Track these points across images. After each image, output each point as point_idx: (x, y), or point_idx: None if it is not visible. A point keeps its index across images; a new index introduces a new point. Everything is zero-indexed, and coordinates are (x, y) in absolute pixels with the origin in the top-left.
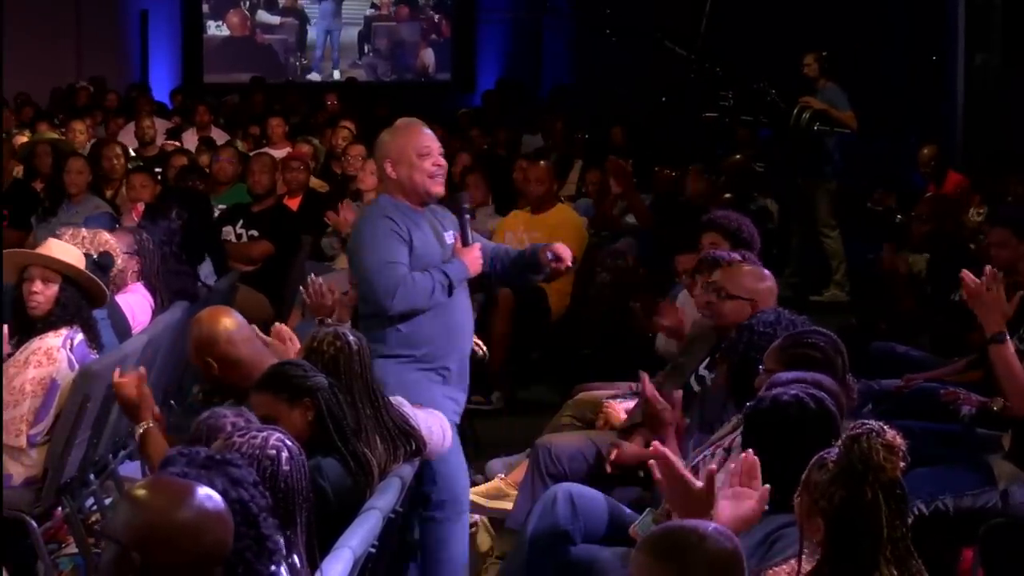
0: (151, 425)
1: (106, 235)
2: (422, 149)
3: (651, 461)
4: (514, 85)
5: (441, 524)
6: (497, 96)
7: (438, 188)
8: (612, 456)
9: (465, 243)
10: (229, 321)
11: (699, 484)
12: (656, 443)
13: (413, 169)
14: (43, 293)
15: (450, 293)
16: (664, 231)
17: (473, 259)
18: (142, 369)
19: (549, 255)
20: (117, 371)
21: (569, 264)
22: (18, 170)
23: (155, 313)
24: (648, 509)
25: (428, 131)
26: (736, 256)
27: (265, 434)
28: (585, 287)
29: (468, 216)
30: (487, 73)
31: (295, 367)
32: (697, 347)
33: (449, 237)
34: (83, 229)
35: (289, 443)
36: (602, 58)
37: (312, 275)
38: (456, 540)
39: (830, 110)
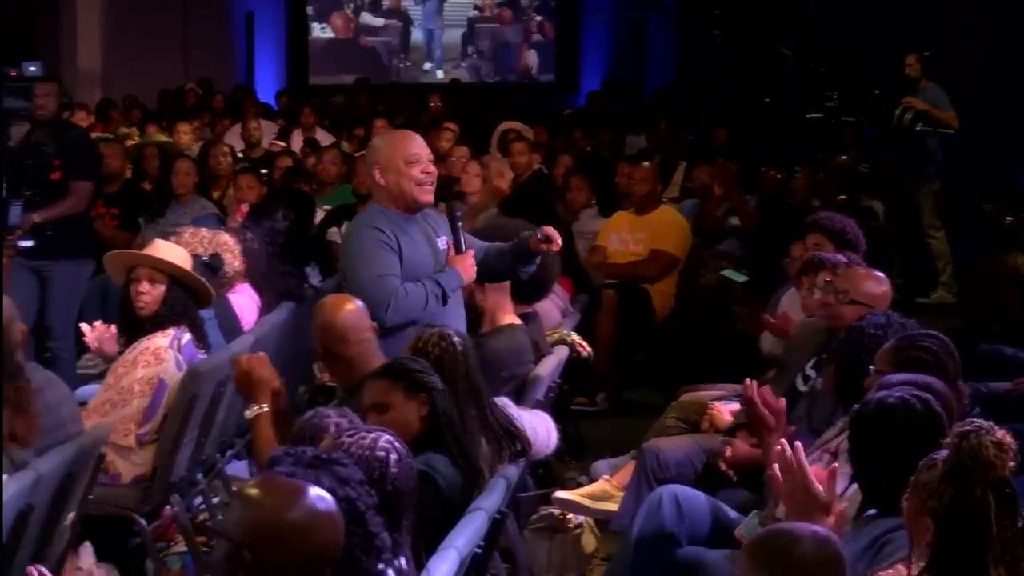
0: (263, 409)
1: (225, 236)
2: (410, 156)
3: (771, 466)
4: (618, 86)
5: None
6: (601, 97)
7: (427, 197)
8: (727, 454)
9: (458, 251)
10: (354, 314)
11: (820, 487)
12: (783, 443)
13: (401, 176)
14: (150, 293)
15: (444, 302)
16: (769, 232)
17: (467, 267)
18: (263, 355)
19: (539, 236)
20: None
21: (559, 244)
22: (127, 171)
23: (261, 313)
24: (754, 512)
25: (419, 139)
26: (841, 258)
27: (374, 435)
28: (689, 288)
29: (460, 223)
30: (591, 74)
31: (417, 363)
32: (803, 347)
33: (442, 243)
34: (203, 229)
35: (398, 445)
36: (706, 58)
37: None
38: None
39: (932, 110)
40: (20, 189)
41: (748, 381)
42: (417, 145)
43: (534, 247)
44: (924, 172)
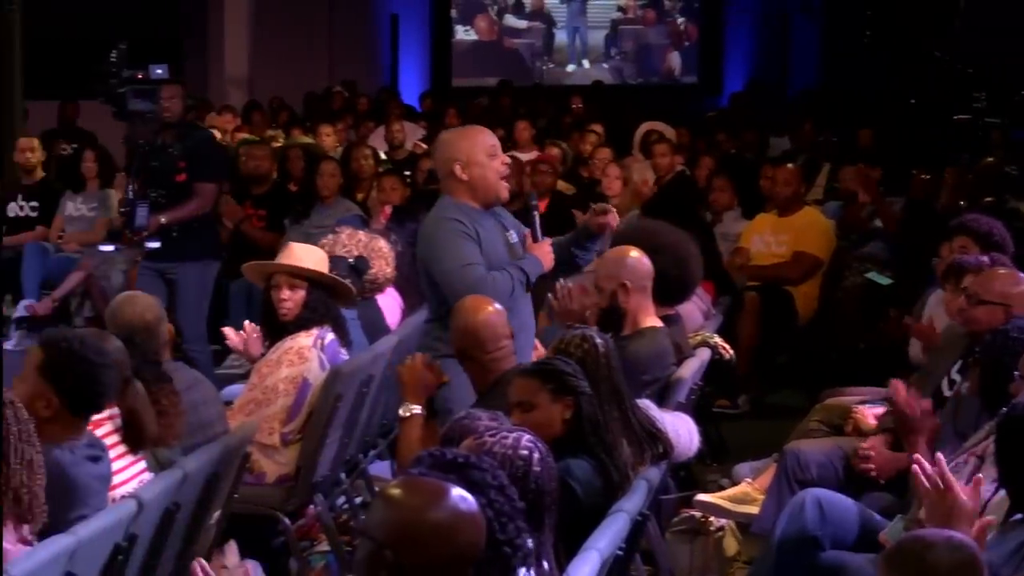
0: (415, 411)
1: (381, 242)
2: (490, 150)
3: (914, 467)
4: (761, 87)
5: None
6: (744, 98)
7: (505, 192)
8: (868, 447)
9: (535, 239)
10: (493, 317)
11: (964, 495)
12: (921, 449)
13: (486, 169)
14: (291, 299)
15: (528, 289)
16: (915, 235)
17: (546, 254)
18: (428, 357)
19: (596, 208)
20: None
21: (613, 215)
22: (274, 173)
23: (404, 314)
24: (899, 516)
25: (491, 132)
26: (985, 260)
27: (516, 435)
28: (833, 290)
29: (536, 212)
30: (734, 75)
31: (568, 365)
32: (948, 351)
33: (511, 236)
34: (360, 232)
35: (540, 444)
36: (851, 59)
37: (560, 279)
38: None
39: None
40: (146, 191)
41: (894, 381)
42: (494, 138)
43: (595, 226)
44: None
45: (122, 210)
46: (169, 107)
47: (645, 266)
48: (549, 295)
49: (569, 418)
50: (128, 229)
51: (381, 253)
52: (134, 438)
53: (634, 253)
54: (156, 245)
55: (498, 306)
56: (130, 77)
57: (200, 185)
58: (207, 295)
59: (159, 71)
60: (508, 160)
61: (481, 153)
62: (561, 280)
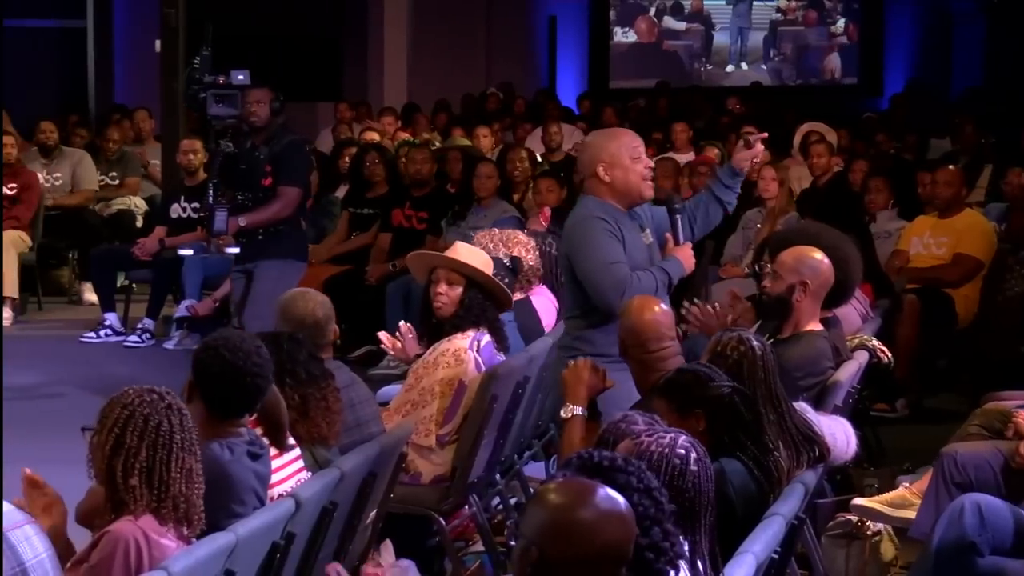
0: (576, 412)
1: (519, 233)
2: (634, 152)
3: None
4: (923, 87)
5: None
6: (905, 99)
7: (650, 192)
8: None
9: (676, 242)
10: (661, 316)
11: None
12: None
13: (629, 172)
14: (447, 294)
15: (669, 291)
16: None
17: (687, 256)
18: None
19: (745, 139)
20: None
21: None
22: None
23: (559, 315)
24: None
25: (636, 135)
26: None
27: (674, 434)
28: (994, 294)
29: (679, 215)
30: (895, 76)
31: (692, 375)
32: None
33: (648, 237)
34: (495, 229)
35: (698, 446)
36: (1015, 58)
37: (685, 303)
38: None
39: None
40: (234, 195)
41: None
42: (638, 140)
43: (740, 162)
44: None
45: (202, 214)
46: (256, 111)
47: (827, 272)
48: (684, 310)
49: (704, 429)
50: (208, 233)
51: (521, 243)
52: (272, 435)
53: (819, 256)
54: (236, 250)
55: (665, 306)
56: (212, 82)
57: (283, 188)
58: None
59: (240, 76)
60: (651, 164)
61: (625, 156)
62: (685, 304)
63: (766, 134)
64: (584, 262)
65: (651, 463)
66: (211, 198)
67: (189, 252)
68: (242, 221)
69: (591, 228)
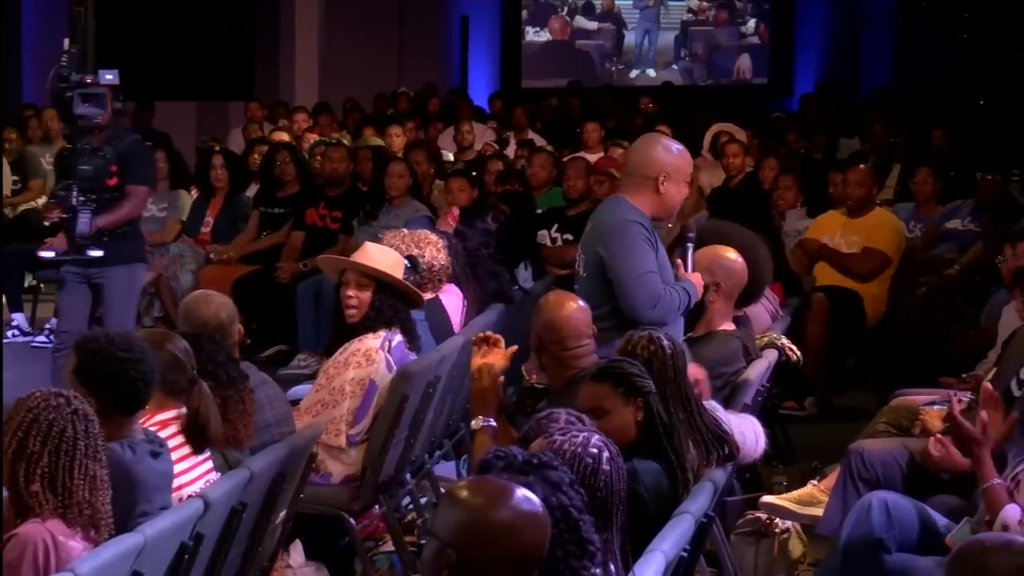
0: (488, 423)
1: (428, 233)
2: (688, 177)
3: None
4: (833, 87)
5: None
6: (815, 99)
7: (675, 216)
8: (935, 451)
9: (687, 269)
10: (578, 313)
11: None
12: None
13: (679, 192)
14: (357, 298)
15: (684, 314)
16: (989, 237)
17: (699, 283)
18: (497, 369)
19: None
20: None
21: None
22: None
23: (466, 313)
24: (965, 519)
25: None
26: None
27: (587, 434)
28: (902, 293)
29: (691, 244)
30: (805, 76)
31: (633, 365)
32: (1017, 351)
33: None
34: (404, 229)
35: (610, 446)
36: (924, 58)
37: None
38: None
39: None
40: (84, 196)
41: (953, 399)
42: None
43: None
44: None
45: (64, 216)
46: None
47: (741, 272)
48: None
49: (642, 419)
50: (70, 235)
51: (430, 242)
52: (197, 438)
53: (733, 256)
54: (99, 253)
55: (583, 303)
56: (79, 81)
57: (133, 188)
58: (135, 299)
59: (109, 76)
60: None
61: (684, 176)
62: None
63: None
64: (624, 265)
65: (563, 462)
66: (73, 199)
67: (51, 254)
68: (100, 222)
69: (634, 233)
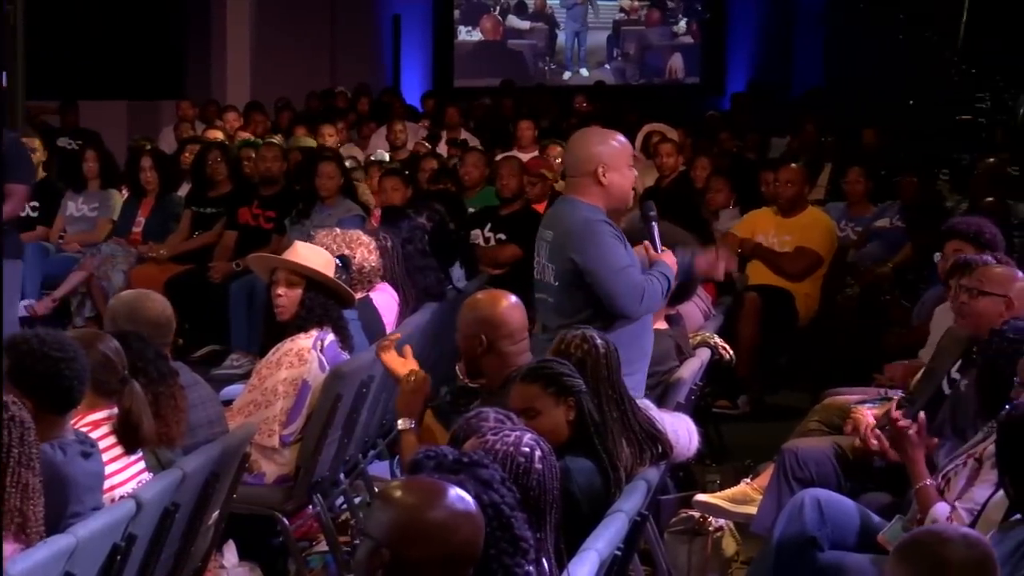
0: (411, 426)
1: (360, 233)
2: (630, 159)
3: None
4: (764, 87)
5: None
6: (746, 99)
7: (631, 200)
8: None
9: (656, 249)
10: (514, 310)
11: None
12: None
13: (624, 178)
14: (287, 296)
15: (666, 299)
16: (917, 237)
17: (673, 262)
18: (423, 374)
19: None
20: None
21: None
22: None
23: (401, 312)
24: (897, 516)
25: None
26: (989, 258)
27: (519, 433)
28: (833, 293)
29: (654, 222)
30: (737, 75)
31: (563, 365)
32: (949, 350)
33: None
34: (336, 229)
35: (543, 444)
36: (855, 58)
37: None
38: None
39: None
40: None
41: (893, 411)
42: (631, 147)
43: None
44: None
45: None
46: None
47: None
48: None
49: (573, 419)
50: None
51: (362, 243)
52: (129, 438)
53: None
54: None
55: (515, 298)
56: None
57: (12, 187)
58: (17, 297)
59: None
60: (636, 173)
61: (624, 161)
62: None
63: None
64: (598, 268)
65: (496, 461)
66: None
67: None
68: None
69: (599, 232)
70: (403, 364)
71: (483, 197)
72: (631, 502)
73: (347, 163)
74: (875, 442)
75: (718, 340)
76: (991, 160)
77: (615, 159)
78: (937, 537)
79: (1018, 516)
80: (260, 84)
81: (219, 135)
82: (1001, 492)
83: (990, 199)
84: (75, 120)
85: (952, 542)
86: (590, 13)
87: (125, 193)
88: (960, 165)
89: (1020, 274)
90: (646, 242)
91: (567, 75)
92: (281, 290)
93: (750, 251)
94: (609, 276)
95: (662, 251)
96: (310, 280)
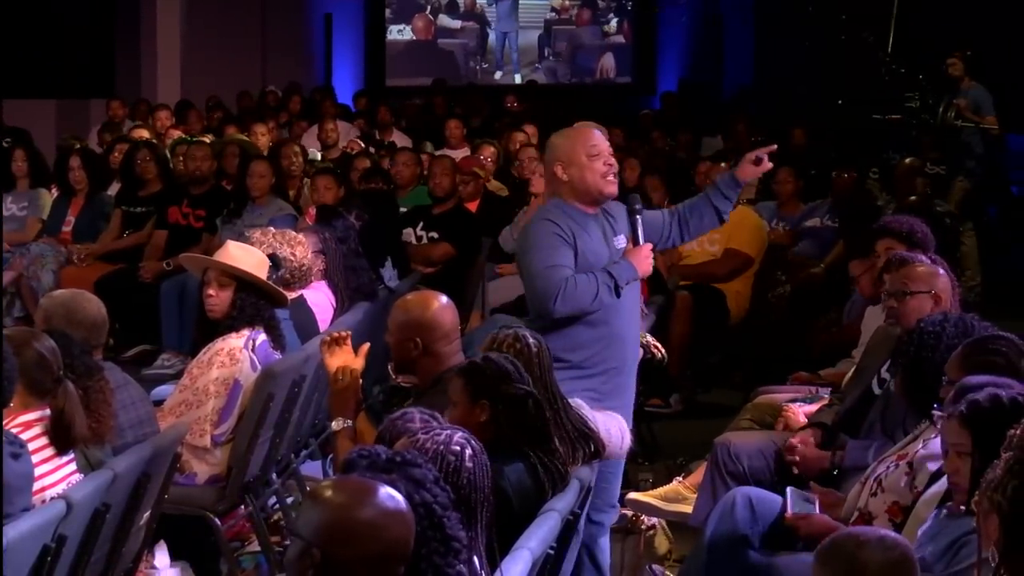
0: (347, 424)
1: (295, 233)
2: (591, 149)
3: None
4: (695, 87)
5: (599, 526)
6: (678, 98)
7: (611, 188)
8: (797, 441)
9: (636, 243)
10: (447, 311)
11: None
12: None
13: (584, 170)
14: (218, 296)
15: (618, 294)
16: (846, 236)
17: (642, 259)
18: (357, 371)
19: (755, 157)
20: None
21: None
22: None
23: (336, 312)
24: (790, 488)
25: (598, 132)
26: (921, 257)
27: (449, 431)
28: (765, 291)
29: (639, 217)
30: (668, 75)
31: (496, 367)
32: (879, 350)
33: (620, 240)
34: (271, 228)
35: (473, 442)
36: (784, 58)
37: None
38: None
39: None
40: None
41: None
42: (596, 138)
43: (744, 173)
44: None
45: None
46: None
47: None
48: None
49: (485, 420)
50: None
51: (298, 242)
52: (62, 438)
53: None
54: None
55: (448, 300)
56: None
57: None
58: None
59: None
60: (612, 161)
61: (581, 152)
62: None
63: (775, 146)
64: (526, 265)
65: (427, 459)
66: None
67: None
68: None
69: (537, 231)
70: (342, 361)
71: (415, 196)
72: (564, 501)
73: (309, 154)
74: (793, 457)
75: (650, 339)
76: (908, 160)
77: (568, 153)
78: (855, 540)
79: (946, 511)
80: (191, 83)
81: (145, 134)
82: (934, 487)
83: (913, 198)
84: (0, 119)
85: (869, 544)
86: (520, 11)
87: (55, 192)
88: (890, 165)
89: (942, 270)
90: (628, 235)
91: (499, 75)
92: (212, 290)
93: (678, 272)
94: (529, 276)
95: (641, 245)
96: (241, 280)
